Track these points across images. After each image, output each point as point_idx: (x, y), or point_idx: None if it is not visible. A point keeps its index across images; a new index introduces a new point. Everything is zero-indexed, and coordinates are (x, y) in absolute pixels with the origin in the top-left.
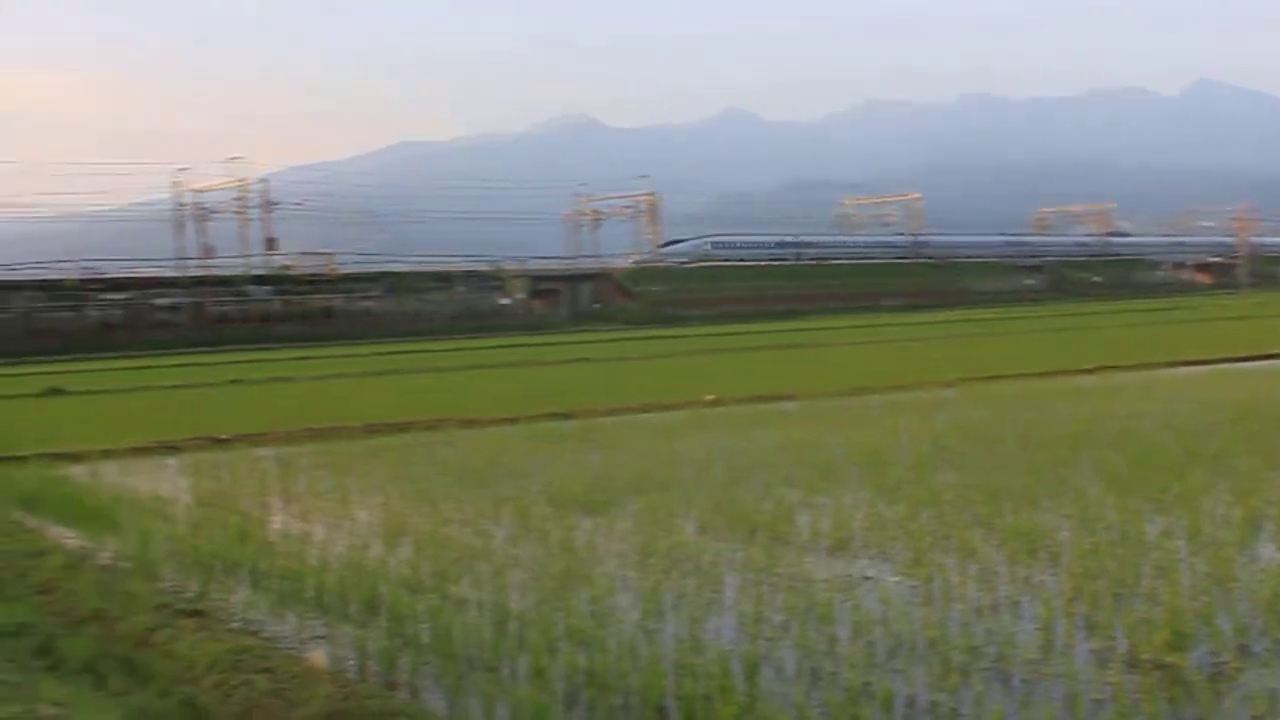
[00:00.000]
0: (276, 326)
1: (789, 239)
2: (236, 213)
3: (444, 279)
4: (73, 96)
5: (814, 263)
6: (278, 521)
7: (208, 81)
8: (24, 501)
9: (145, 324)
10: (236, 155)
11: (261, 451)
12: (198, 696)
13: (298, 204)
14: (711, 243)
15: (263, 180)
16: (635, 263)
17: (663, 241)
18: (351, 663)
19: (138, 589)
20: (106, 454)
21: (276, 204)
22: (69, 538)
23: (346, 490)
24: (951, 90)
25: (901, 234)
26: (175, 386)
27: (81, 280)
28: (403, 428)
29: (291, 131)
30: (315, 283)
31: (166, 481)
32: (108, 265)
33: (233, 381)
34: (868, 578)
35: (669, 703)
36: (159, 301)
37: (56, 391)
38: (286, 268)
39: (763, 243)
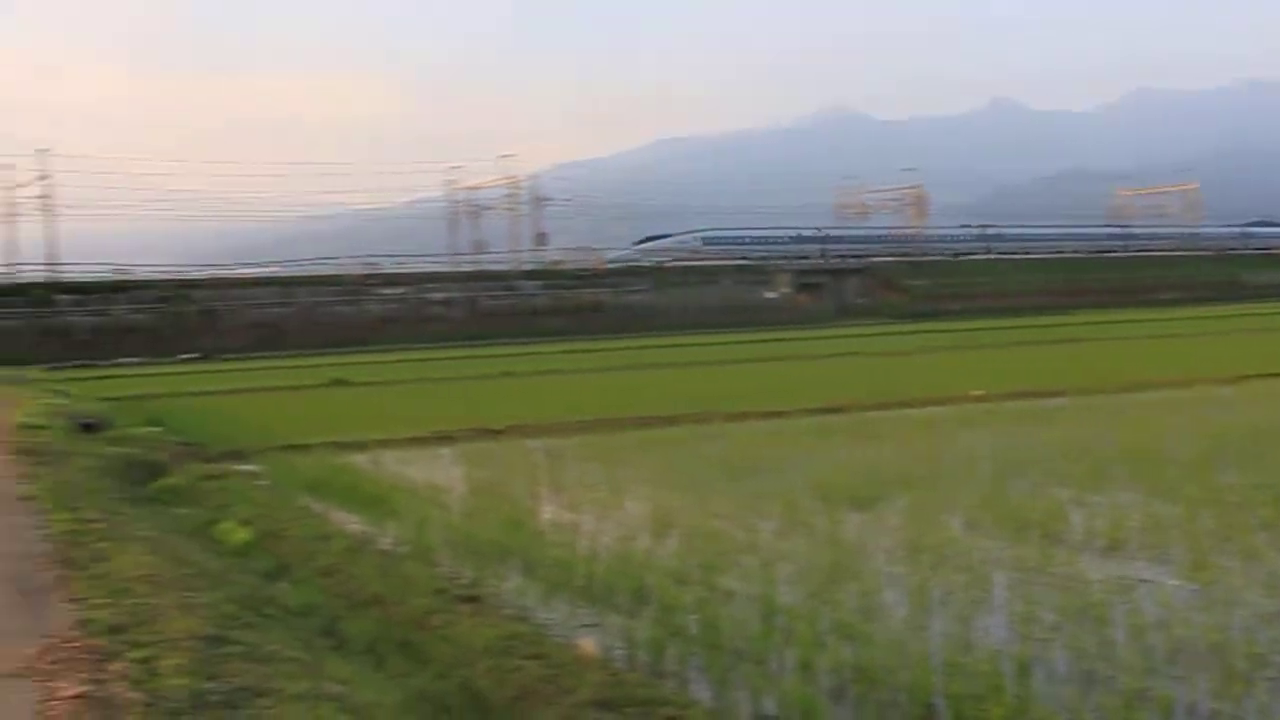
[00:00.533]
0: (545, 320)
1: (809, 232)
2: (507, 209)
3: (710, 273)
4: (350, 99)
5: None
6: (548, 511)
7: (480, 81)
8: (310, 487)
9: (420, 318)
10: (508, 153)
11: (532, 442)
12: (473, 680)
13: (567, 200)
14: (703, 238)
15: (533, 177)
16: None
17: (642, 237)
18: (620, 651)
19: (415, 574)
20: (385, 443)
21: (546, 200)
22: (352, 523)
23: (615, 482)
24: (1230, 74)
25: (967, 225)
26: (449, 379)
27: (362, 276)
28: (670, 421)
29: (562, 129)
30: (583, 277)
31: (441, 470)
32: (386, 261)
33: (504, 374)
34: (1144, 580)
35: (937, 701)
36: (434, 296)
37: (339, 383)
38: (556, 263)
39: (774, 237)
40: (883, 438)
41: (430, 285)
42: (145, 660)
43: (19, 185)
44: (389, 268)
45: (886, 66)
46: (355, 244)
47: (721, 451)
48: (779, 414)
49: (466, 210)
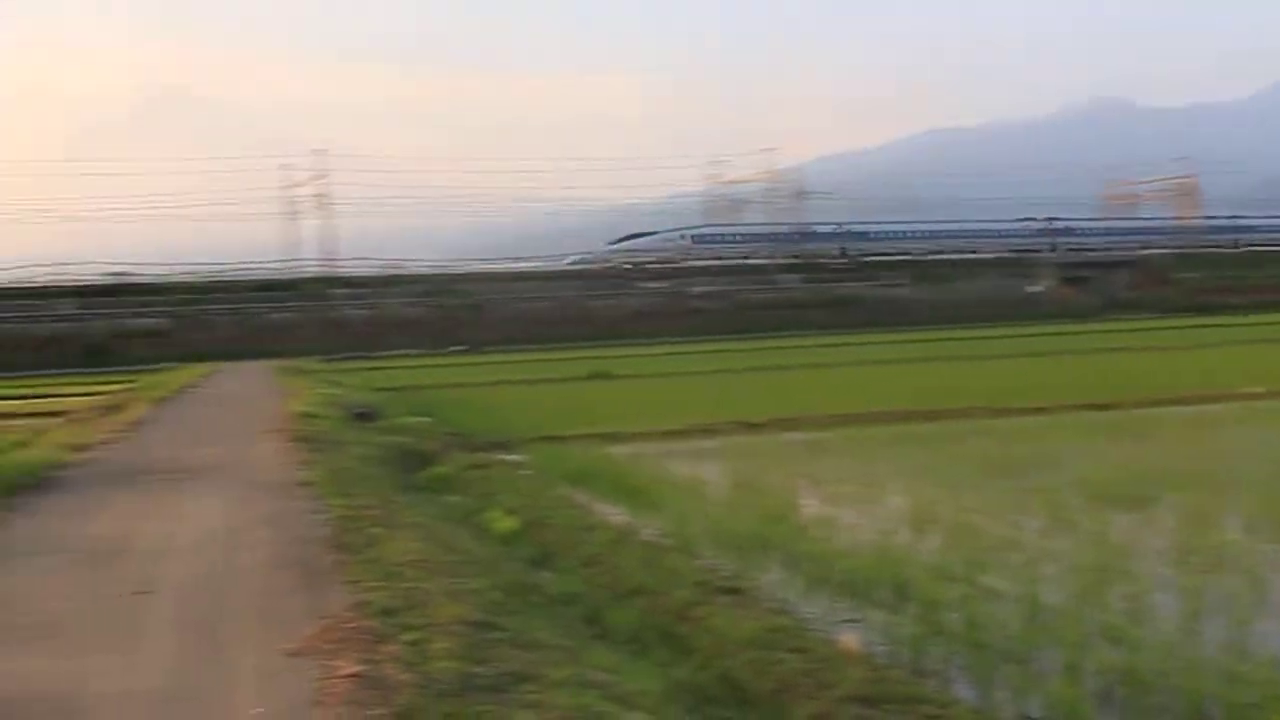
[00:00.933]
0: (805, 314)
1: (830, 228)
2: (768, 203)
3: (972, 266)
4: (615, 98)
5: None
6: (808, 504)
7: (743, 78)
8: (573, 478)
9: (680, 311)
10: (768, 146)
11: (791, 436)
12: (734, 671)
13: (827, 193)
14: (692, 235)
15: (793, 170)
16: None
17: (618, 237)
18: (882, 647)
19: (677, 565)
20: (646, 435)
21: (806, 194)
22: (614, 513)
23: (875, 476)
24: None
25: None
26: (708, 372)
27: (625, 269)
28: (931, 416)
29: (823, 123)
30: (843, 271)
31: (701, 463)
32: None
33: (762, 368)
34: None
35: (1211, 708)
36: (694, 289)
37: (600, 376)
38: (817, 256)
39: (775, 235)
40: (1152, 435)
41: (691, 278)
42: (416, 643)
43: (297, 184)
44: (652, 261)
45: (1159, 52)
46: (613, 238)
47: (983, 447)
48: (1042, 410)
49: (725, 204)
